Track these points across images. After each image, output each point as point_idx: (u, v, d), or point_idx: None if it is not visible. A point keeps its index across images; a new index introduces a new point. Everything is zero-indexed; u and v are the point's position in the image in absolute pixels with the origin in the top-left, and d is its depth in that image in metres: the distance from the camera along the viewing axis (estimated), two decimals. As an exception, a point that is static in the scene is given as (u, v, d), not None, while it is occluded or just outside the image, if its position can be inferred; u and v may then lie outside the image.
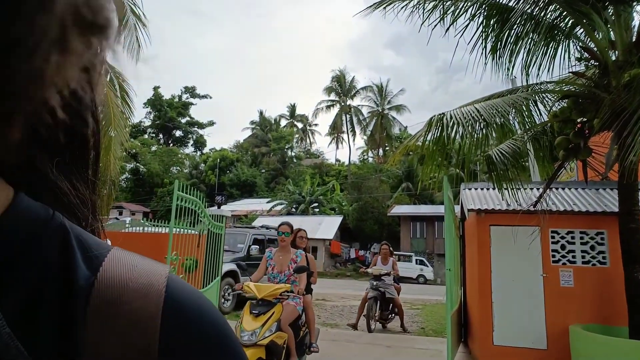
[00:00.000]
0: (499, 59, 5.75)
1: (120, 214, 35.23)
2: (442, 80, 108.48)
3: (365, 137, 49.38)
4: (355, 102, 48.89)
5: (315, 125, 64.41)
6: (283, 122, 59.56)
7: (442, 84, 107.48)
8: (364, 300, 7.89)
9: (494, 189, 6.70)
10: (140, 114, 57.92)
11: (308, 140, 60.04)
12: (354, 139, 49.01)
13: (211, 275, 7.63)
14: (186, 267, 7.03)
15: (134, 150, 47.10)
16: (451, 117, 5.08)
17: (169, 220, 6.81)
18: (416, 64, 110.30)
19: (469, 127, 5.02)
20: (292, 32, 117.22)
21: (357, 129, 48.28)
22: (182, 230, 7.02)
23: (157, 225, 10.52)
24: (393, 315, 8.35)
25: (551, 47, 5.41)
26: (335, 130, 49.75)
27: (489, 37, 5.62)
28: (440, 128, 5.12)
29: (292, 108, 59.24)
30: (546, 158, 5.88)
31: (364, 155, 52.98)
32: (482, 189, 6.73)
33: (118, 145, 9.78)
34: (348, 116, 48.42)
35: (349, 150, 48.64)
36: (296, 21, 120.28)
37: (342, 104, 48.53)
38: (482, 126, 5.17)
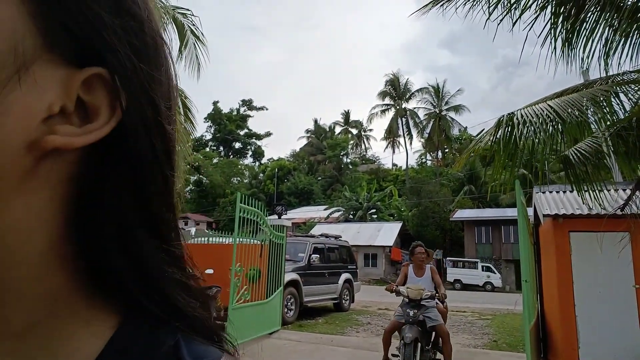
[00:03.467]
0: (571, 50, 5.31)
1: (186, 224, 37.12)
2: (502, 78, 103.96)
3: (422, 140, 48.22)
4: (410, 104, 47.96)
5: (370, 130, 64.03)
6: (338, 129, 59.81)
7: (503, 81, 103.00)
8: (389, 333, 5.03)
9: (571, 191, 6.17)
10: (202, 129, 60.82)
11: (363, 146, 59.75)
12: (410, 143, 47.99)
13: (274, 285, 7.69)
14: (250, 277, 7.12)
15: (197, 163, 49.44)
16: (522, 116, 4.76)
17: (232, 230, 6.96)
18: (474, 62, 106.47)
19: (543, 126, 4.65)
20: (344, 39, 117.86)
21: (414, 132, 47.27)
22: (245, 240, 7.15)
23: (222, 236, 10.82)
24: (436, 351, 5.17)
25: (635, 33, 4.89)
26: (390, 134, 49.04)
27: (560, 28, 5.20)
28: (510, 129, 4.81)
29: (347, 115, 59.32)
30: (633, 156, 5.30)
31: (422, 159, 51.75)
32: (557, 192, 6.22)
33: (181, 160, 10.26)
34: (404, 119, 47.56)
35: (406, 154, 47.64)
36: (348, 29, 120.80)
37: (397, 107, 47.77)
38: (557, 125, 4.78)
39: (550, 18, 5.13)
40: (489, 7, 5.13)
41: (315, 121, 60.91)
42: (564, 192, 6.13)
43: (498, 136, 4.91)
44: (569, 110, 4.77)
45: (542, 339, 6.42)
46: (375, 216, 35.42)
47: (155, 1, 10.44)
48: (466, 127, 46.64)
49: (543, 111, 4.74)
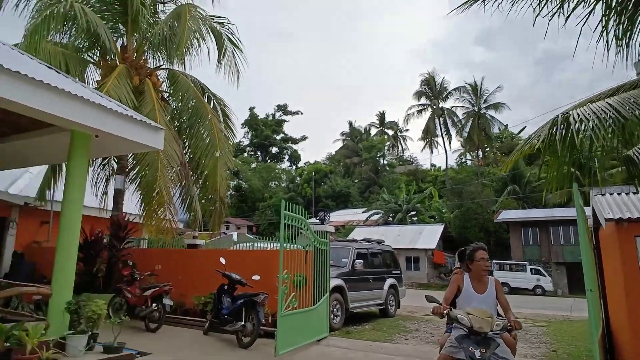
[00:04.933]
0: (626, 43, 5.00)
1: (227, 228, 38.06)
2: (542, 72, 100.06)
3: (461, 140, 47.07)
4: (448, 104, 46.98)
5: (407, 131, 63.21)
6: (373, 131, 59.45)
7: (543, 76, 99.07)
8: None
9: (635, 193, 5.80)
10: (239, 135, 62.28)
11: (400, 147, 59.08)
12: (449, 142, 46.91)
13: (320, 291, 7.68)
14: (296, 284, 7.15)
15: (236, 168, 50.59)
16: (579, 115, 4.52)
17: (272, 233, 7.00)
18: (511, 57, 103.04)
19: (603, 125, 4.40)
20: (375, 40, 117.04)
21: (453, 132, 46.24)
22: (289, 246, 7.18)
23: (266, 241, 10.91)
24: None
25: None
26: (428, 134, 48.19)
27: (613, 21, 4.91)
28: (564, 128, 4.59)
29: (382, 116, 58.87)
30: None
31: (461, 159, 50.54)
32: (619, 193, 5.86)
33: (224, 166, 10.54)
34: (441, 119, 46.62)
35: (445, 154, 46.64)
36: (379, 29, 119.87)
37: (434, 107, 46.90)
38: (618, 123, 4.51)
39: (604, 11, 4.86)
40: (539, 3, 4.92)
41: (350, 123, 60.88)
42: (627, 193, 5.77)
43: (553, 134, 4.70)
44: (627, 107, 4.49)
45: (608, 350, 6.06)
46: (415, 218, 34.87)
47: (193, 11, 10.71)
48: (507, 124, 45.28)
49: (602, 109, 4.49)
